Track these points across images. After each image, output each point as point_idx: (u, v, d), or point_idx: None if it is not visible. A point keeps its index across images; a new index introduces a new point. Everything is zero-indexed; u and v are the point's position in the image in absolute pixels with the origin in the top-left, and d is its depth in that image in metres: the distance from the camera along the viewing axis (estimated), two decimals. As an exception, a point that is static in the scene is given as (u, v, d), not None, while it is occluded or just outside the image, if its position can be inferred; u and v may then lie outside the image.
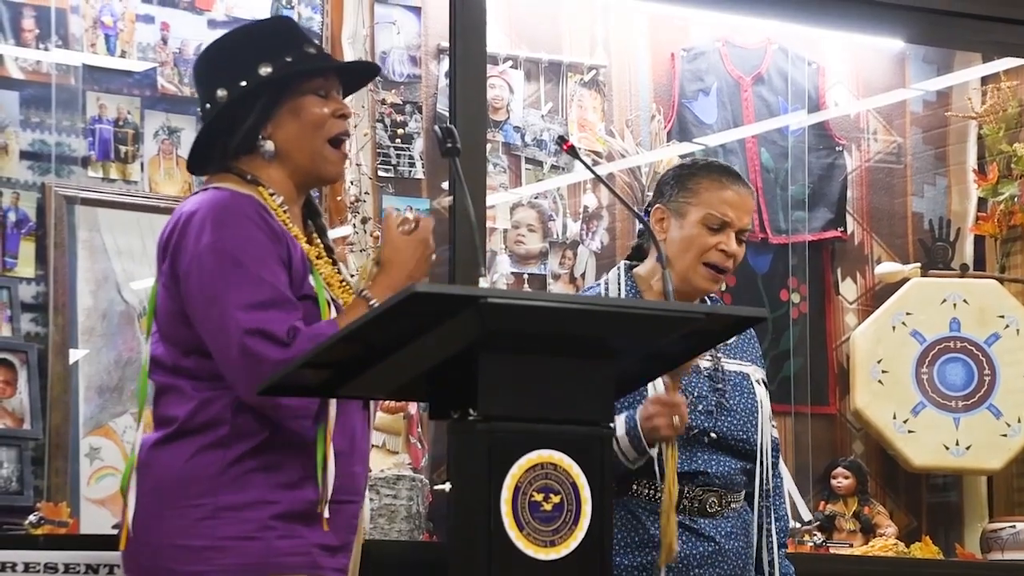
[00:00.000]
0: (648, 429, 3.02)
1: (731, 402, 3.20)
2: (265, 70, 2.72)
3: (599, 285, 3.30)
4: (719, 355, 3.23)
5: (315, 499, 2.65)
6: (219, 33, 2.84)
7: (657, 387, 3.08)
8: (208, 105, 2.77)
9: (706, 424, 3.16)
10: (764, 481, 3.22)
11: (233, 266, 2.61)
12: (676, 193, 3.21)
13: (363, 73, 3.00)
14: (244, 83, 2.72)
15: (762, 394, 3.25)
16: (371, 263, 2.72)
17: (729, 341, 3.23)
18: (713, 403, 3.18)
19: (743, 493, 3.23)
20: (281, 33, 2.79)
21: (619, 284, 3.24)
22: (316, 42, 2.82)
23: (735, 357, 3.26)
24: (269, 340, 2.57)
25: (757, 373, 3.29)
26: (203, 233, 2.63)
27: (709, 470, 3.15)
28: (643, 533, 3.12)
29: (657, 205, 3.23)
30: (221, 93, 2.74)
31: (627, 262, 3.30)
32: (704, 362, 3.20)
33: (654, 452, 3.06)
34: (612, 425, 2.45)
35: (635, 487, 3.12)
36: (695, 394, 3.16)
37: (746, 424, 3.21)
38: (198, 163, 2.85)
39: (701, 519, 3.15)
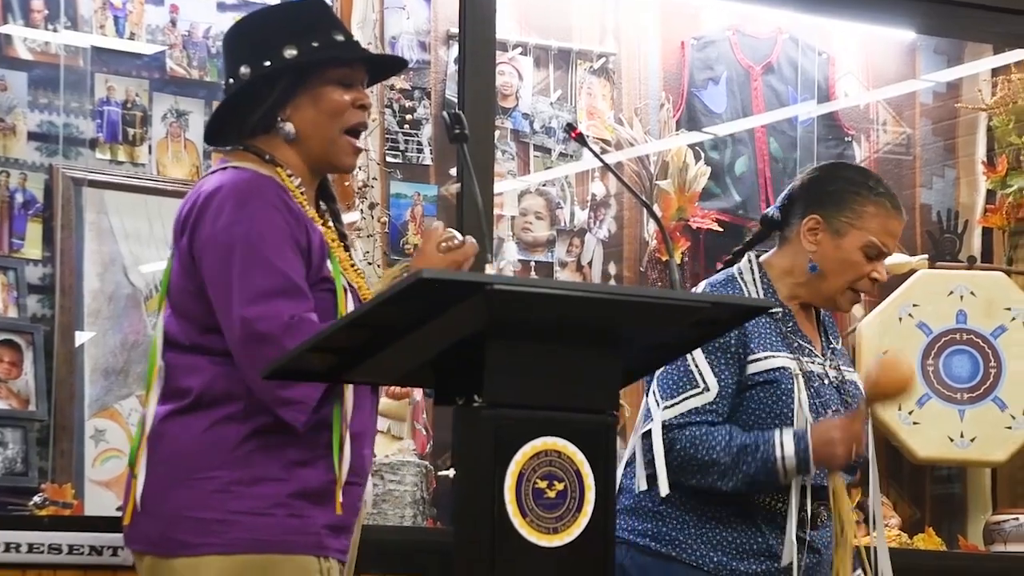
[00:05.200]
0: (827, 454, 2.98)
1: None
2: (290, 52, 2.72)
3: (732, 272, 3.18)
4: (840, 364, 3.20)
5: (326, 479, 2.65)
6: (229, 16, 2.85)
7: (802, 399, 3.03)
8: (231, 80, 2.77)
9: None
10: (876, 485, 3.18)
11: (246, 251, 2.61)
12: (839, 210, 3.13)
13: (390, 65, 3.00)
14: (268, 63, 2.72)
15: None
16: (400, 270, 2.71)
17: (837, 346, 3.22)
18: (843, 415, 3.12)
19: None
20: (312, 16, 2.78)
21: (755, 285, 3.15)
22: (347, 29, 2.81)
23: (844, 365, 3.23)
24: (271, 329, 2.56)
25: (861, 381, 3.23)
26: (221, 214, 2.63)
27: (827, 484, 3.10)
28: (762, 542, 3.07)
29: (814, 216, 3.14)
30: (244, 70, 2.74)
31: (753, 254, 3.21)
32: (832, 372, 3.16)
33: (809, 478, 3.00)
34: (616, 413, 2.44)
35: (756, 497, 3.07)
36: (832, 408, 3.11)
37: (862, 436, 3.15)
38: (215, 136, 2.85)
39: (812, 531, 3.09)
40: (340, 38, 2.77)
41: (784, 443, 2.99)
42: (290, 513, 2.63)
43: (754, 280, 3.17)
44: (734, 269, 3.21)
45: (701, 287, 3.24)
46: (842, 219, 3.14)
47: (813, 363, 3.13)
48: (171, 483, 2.64)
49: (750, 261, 3.21)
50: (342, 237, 2.82)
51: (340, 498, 2.65)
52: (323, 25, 2.77)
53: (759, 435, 3.02)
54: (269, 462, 2.63)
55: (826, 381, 3.13)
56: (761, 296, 3.14)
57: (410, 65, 4.80)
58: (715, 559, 3.06)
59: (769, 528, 3.07)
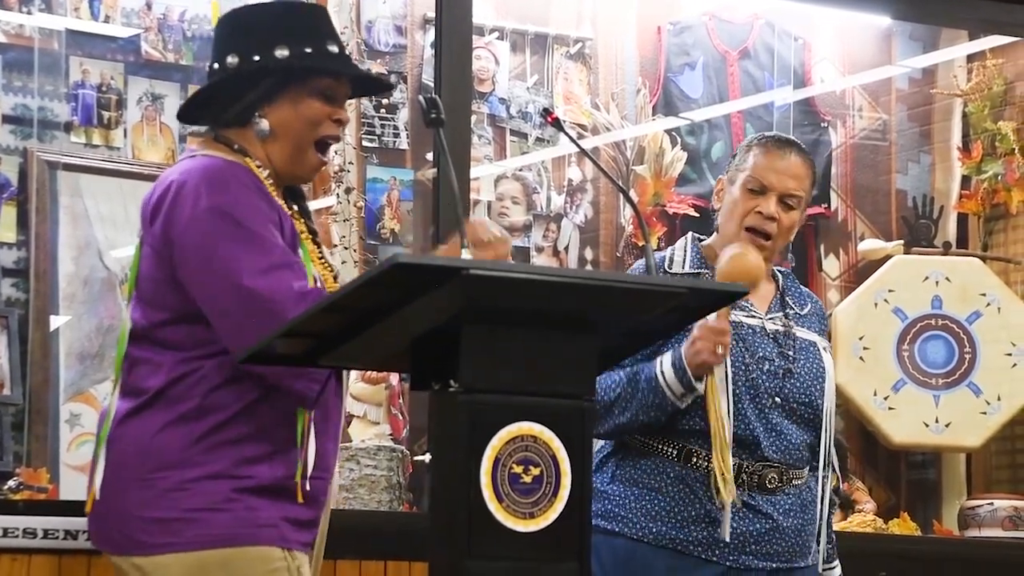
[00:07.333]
0: (691, 355, 3.03)
1: (797, 366, 3.20)
2: (282, 53, 2.71)
3: (665, 253, 3.30)
4: (790, 322, 3.25)
5: (284, 475, 2.64)
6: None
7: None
8: (216, 65, 2.76)
9: (771, 385, 3.15)
10: (827, 449, 3.20)
11: (238, 229, 2.59)
12: (733, 164, 3.27)
13: (376, 85, 3.00)
14: (257, 58, 2.71)
15: (829, 362, 3.25)
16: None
17: (802, 312, 3.28)
18: (779, 366, 3.18)
19: (806, 469, 3.20)
20: (310, 22, 2.77)
21: (685, 252, 3.27)
22: (342, 42, 2.80)
23: (804, 326, 3.27)
24: (284, 301, 2.55)
25: (823, 343, 3.29)
26: (200, 197, 2.62)
27: (768, 441, 3.12)
28: (699, 508, 3.10)
29: (720, 178, 3.30)
30: (232, 60, 2.73)
31: (695, 234, 3.33)
32: (772, 325, 3.22)
33: (701, 387, 3.06)
34: (593, 399, 2.45)
35: (694, 459, 3.11)
36: (760, 354, 3.17)
37: (810, 388, 3.19)
38: (190, 115, 2.84)
39: (759, 495, 3.12)
40: (334, 49, 2.75)
41: (663, 360, 3.08)
42: (246, 507, 2.62)
43: (684, 255, 3.26)
44: (670, 248, 3.31)
45: (632, 269, 3.31)
46: (734, 170, 3.27)
47: (748, 317, 3.19)
48: (127, 484, 2.64)
49: (685, 240, 3.31)
50: (312, 232, 2.81)
51: (305, 487, 2.64)
52: (319, 33, 2.75)
53: (646, 363, 3.11)
54: (224, 459, 2.62)
55: (758, 331, 3.18)
56: (686, 268, 3.23)
57: (386, 50, 4.79)
58: (655, 530, 3.10)
59: (707, 494, 3.10)
